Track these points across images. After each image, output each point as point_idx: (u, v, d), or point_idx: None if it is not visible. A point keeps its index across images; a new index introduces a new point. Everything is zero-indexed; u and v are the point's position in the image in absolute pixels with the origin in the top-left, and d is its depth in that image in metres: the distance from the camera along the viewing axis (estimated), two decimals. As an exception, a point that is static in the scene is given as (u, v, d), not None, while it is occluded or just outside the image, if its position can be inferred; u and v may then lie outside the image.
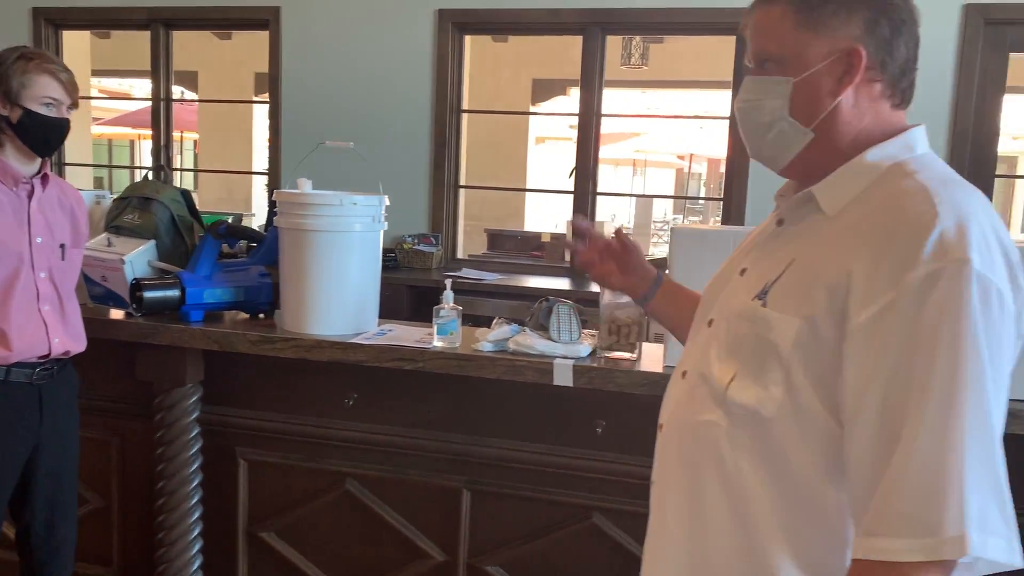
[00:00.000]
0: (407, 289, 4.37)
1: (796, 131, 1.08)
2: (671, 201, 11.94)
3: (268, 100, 4.98)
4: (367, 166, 2.29)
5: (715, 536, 1.10)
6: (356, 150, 2.21)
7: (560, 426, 2.03)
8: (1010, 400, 0.97)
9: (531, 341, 1.98)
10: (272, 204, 2.19)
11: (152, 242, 2.29)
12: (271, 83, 4.93)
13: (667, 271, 1.74)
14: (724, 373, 1.08)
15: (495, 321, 2.10)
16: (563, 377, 1.91)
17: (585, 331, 2.04)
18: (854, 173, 1.06)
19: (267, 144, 5.14)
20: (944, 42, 4.13)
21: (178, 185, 2.97)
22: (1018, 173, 9.59)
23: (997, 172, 4.32)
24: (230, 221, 4.17)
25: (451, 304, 2.06)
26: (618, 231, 1.54)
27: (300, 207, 2.09)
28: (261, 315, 2.30)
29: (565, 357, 1.94)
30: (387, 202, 2.18)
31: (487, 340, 2.01)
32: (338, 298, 2.12)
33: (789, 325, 1.01)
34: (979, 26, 4.10)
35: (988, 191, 4.28)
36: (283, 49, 4.89)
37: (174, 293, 2.16)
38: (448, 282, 2.10)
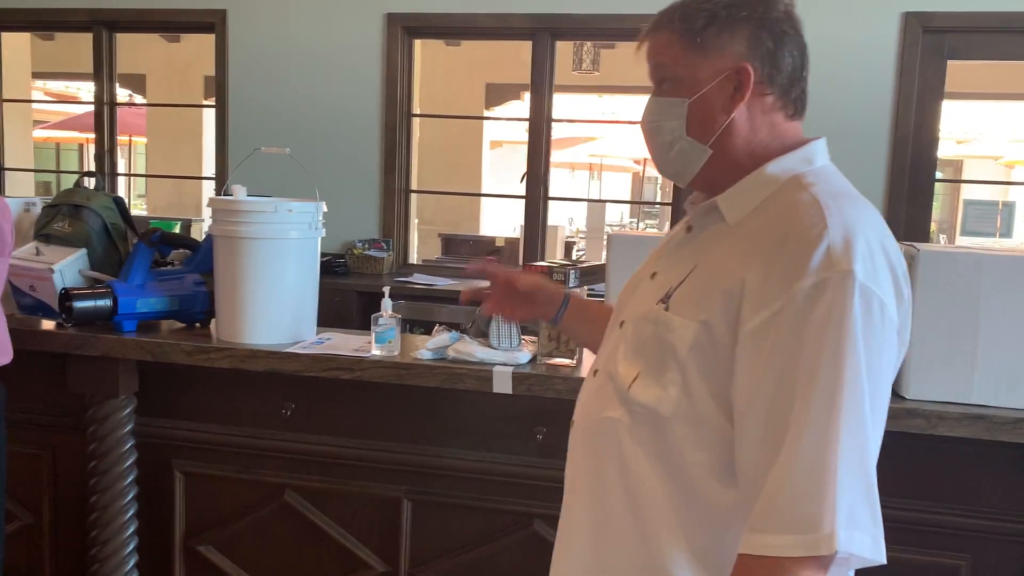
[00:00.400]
0: (357, 295, 4.33)
1: (695, 149, 1.13)
2: (628, 205, 12.01)
3: (215, 105, 4.90)
4: (316, 171, 2.26)
5: (615, 530, 1.15)
6: (293, 156, 2.17)
7: (500, 433, 2.01)
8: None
9: (471, 348, 1.96)
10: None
11: (83, 251, 2.23)
12: (218, 87, 4.86)
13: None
14: (628, 372, 1.13)
15: (436, 328, 2.08)
16: (503, 384, 1.90)
17: (525, 338, 2.03)
18: (754, 185, 1.11)
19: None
20: (884, 50, 4.21)
21: (125, 191, 2.91)
22: (963, 178, 9.81)
23: (938, 177, 4.40)
24: (178, 227, 4.10)
25: (390, 312, 2.04)
26: (510, 276, 1.54)
27: (234, 214, 2.05)
28: (197, 324, 2.25)
29: (505, 364, 1.93)
30: (324, 208, 2.15)
31: (426, 348, 1.99)
32: (274, 307, 2.09)
33: (687, 328, 1.07)
34: (918, 34, 4.18)
35: (928, 195, 4.36)
36: (230, 52, 4.83)
37: (105, 303, 2.11)
38: (386, 290, 2.08)
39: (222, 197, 2.11)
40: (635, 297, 1.22)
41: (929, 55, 4.21)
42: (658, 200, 13.11)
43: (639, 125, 1.21)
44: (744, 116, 1.11)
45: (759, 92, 1.11)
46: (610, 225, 7.53)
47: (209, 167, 8.22)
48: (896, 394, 1.79)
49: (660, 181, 14.15)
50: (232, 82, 4.84)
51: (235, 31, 4.81)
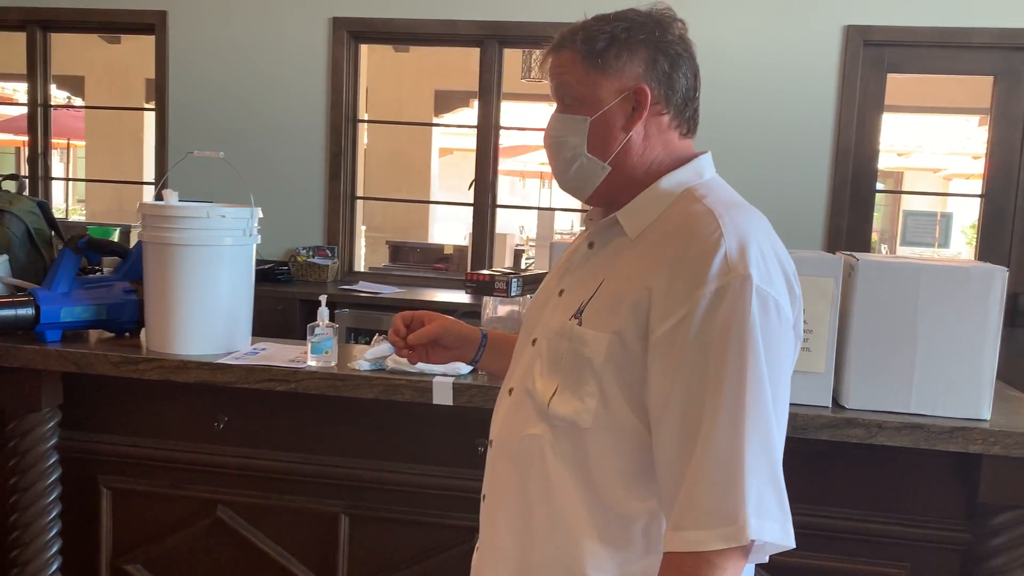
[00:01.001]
0: (300, 303, 4.25)
1: (595, 165, 1.18)
2: (577, 213, 12.05)
3: (155, 108, 4.78)
4: (259, 177, 2.20)
5: (540, 546, 1.18)
6: (227, 160, 2.11)
7: (441, 446, 1.97)
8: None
9: (409, 359, 1.91)
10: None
11: (4, 257, 2.13)
12: (158, 90, 4.74)
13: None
14: (547, 388, 1.17)
15: (375, 338, 2.02)
16: (443, 396, 1.85)
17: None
18: (651, 199, 1.17)
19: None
20: (827, 63, 4.26)
21: (63, 196, 2.80)
22: (904, 189, 10.04)
23: (878, 188, 4.47)
24: (116, 234, 3.97)
25: (326, 321, 1.98)
26: (419, 335, 1.49)
27: (165, 220, 1.98)
28: (126, 334, 2.17)
29: (444, 375, 1.88)
30: (260, 214, 2.09)
31: (364, 359, 1.94)
32: (206, 316, 2.02)
33: (600, 341, 1.12)
34: (859, 47, 4.24)
35: (869, 206, 4.43)
36: (170, 55, 4.71)
37: (27, 312, 2.01)
38: (323, 298, 2.03)
39: (153, 202, 2.03)
40: (545, 314, 1.24)
41: (870, 68, 4.29)
42: (608, 209, 13.17)
43: (542, 140, 1.24)
44: (641, 134, 1.17)
45: (655, 112, 1.17)
46: (560, 233, 7.53)
47: (150, 172, 8.05)
48: (836, 403, 1.79)
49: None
50: (172, 85, 4.72)
51: (175, 33, 4.70)
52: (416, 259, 5.91)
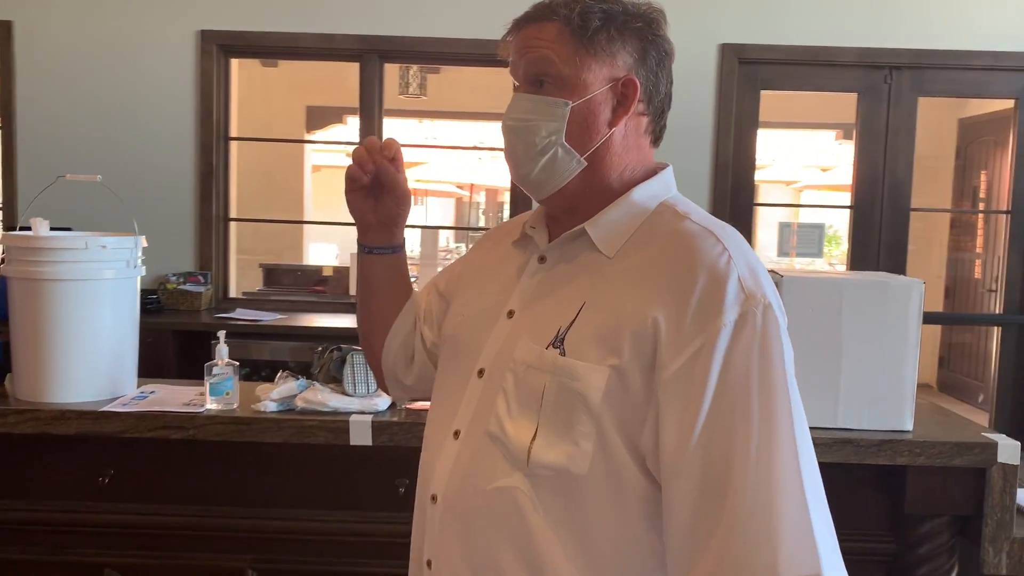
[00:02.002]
0: (173, 335, 3.96)
1: (570, 157, 1.03)
2: (452, 231, 12.00)
3: (0, 126, 4.38)
4: (123, 202, 1.99)
5: None
6: (106, 184, 1.90)
7: (359, 489, 1.83)
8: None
9: (322, 397, 1.77)
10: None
11: None
12: (3, 108, 4.34)
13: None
14: (522, 431, 0.99)
15: (279, 375, 1.87)
16: (361, 436, 1.72)
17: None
18: (624, 212, 1.04)
19: None
20: (705, 79, 4.37)
21: None
22: (779, 202, 10.45)
23: (757, 201, 4.62)
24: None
25: (226, 359, 1.81)
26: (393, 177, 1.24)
27: (35, 252, 1.77)
28: (-12, 382, 1.92)
29: (362, 412, 1.75)
30: (144, 243, 1.90)
31: (270, 399, 1.78)
32: (86, 358, 1.81)
33: (597, 374, 0.96)
34: (734, 64, 4.37)
35: (749, 219, 4.56)
36: (16, 69, 4.32)
37: None
38: (221, 334, 1.85)
39: (18, 233, 1.81)
40: (493, 340, 1.06)
41: (745, 85, 4.42)
42: (481, 225, 13.22)
43: (501, 124, 1.07)
44: (622, 132, 1.05)
45: (638, 111, 1.05)
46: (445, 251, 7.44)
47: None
48: (766, 422, 1.78)
49: (483, 206, 14.25)
50: (21, 101, 4.33)
51: (23, 45, 4.32)
52: (291, 282, 5.66)
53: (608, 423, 0.96)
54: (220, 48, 4.37)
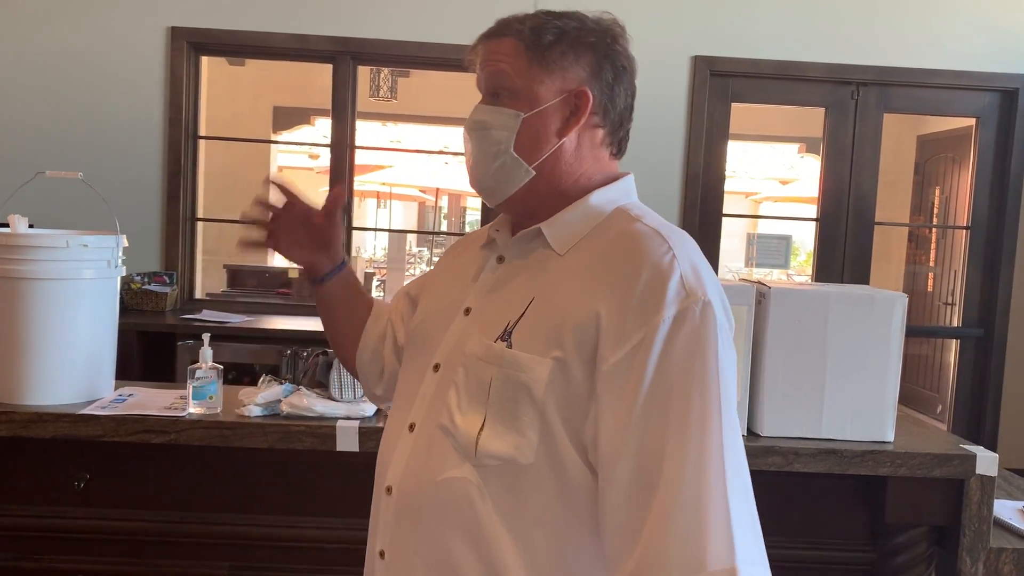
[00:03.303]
0: (137, 335, 3.88)
1: (518, 167, 1.08)
2: (415, 235, 11.97)
3: (-40, 118, 4.26)
4: (87, 196, 1.95)
5: None
6: (86, 182, 1.86)
7: (346, 495, 1.81)
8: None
9: (308, 402, 1.75)
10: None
11: None
12: (-37, 100, 4.23)
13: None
14: (471, 423, 1.02)
15: (263, 380, 1.84)
16: (348, 441, 1.70)
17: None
18: (580, 214, 1.08)
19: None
20: (677, 91, 4.41)
21: None
22: (748, 213, 10.58)
23: (726, 212, 4.67)
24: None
25: (210, 363, 1.78)
26: (336, 197, 1.33)
27: (13, 250, 1.72)
28: (-41, 383, 1.86)
29: (348, 418, 1.73)
30: (125, 243, 1.86)
31: (255, 403, 1.75)
32: (63, 360, 1.76)
33: (540, 366, 0.99)
34: (706, 77, 4.43)
35: (717, 229, 4.62)
36: (-21, 60, 4.21)
37: None
38: (206, 337, 1.82)
39: (-4, 230, 1.76)
40: (449, 336, 1.10)
41: (716, 97, 4.47)
42: (443, 229, 13.21)
43: (462, 131, 1.13)
44: (574, 143, 1.08)
45: (592, 123, 1.08)
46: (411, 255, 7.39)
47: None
48: (752, 432, 1.80)
49: (445, 210, 14.23)
50: (-16, 95, 4.22)
51: (-15, 36, 4.21)
52: (256, 284, 5.59)
53: (552, 414, 0.99)
54: (191, 45, 4.31)
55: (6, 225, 1.80)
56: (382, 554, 1.09)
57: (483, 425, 1.01)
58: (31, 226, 1.89)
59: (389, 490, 1.08)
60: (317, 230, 1.31)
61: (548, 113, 1.06)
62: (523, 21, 1.08)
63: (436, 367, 1.09)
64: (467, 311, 1.11)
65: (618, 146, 1.13)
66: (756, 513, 0.94)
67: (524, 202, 1.10)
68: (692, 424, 0.92)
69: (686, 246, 1.02)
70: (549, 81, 1.06)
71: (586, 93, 1.06)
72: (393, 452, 1.10)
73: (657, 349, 0.94)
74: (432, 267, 1.36)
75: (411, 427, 1.09)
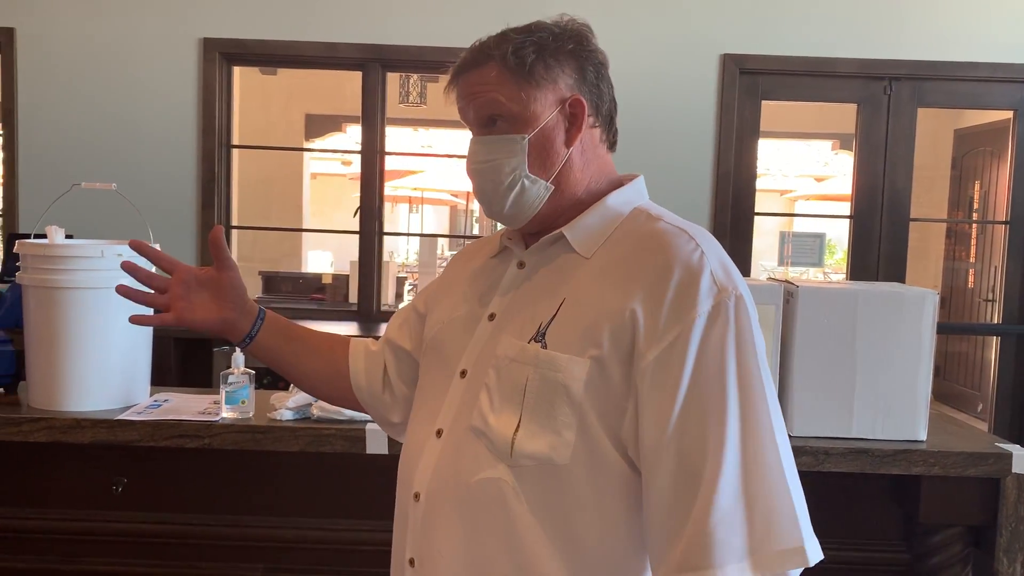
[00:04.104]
0: (174, 342, 3.95)
1: (538, 186, 1.09)
2: (447, 239, 12.00)
3: (1, 133, 4.36)
4: (124, 206, 1.99)
5: None
6: (121, 192, 1.90)
7: (375, 497, 1.82)
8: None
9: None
10: (10, 251, 1.83)
11: None
12: (5, 114, 4.33)
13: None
14: (505, 424, 1.02)
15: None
16: (377, 444, 1.72)
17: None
18: (601, 216, 1.09)
19: (0, 182, 4.51)
20: (706, 89, 4.39)
21: None
22: (780, 212, 10.49)
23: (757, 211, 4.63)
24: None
25: (242, 368, 1.81)
26: (214, 238, 1.22)
27: (50, 260, 1.76)
28: (1, 390, 1.91)
29: (377, 422, 1.75)
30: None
31: (286, 407, 1.78)
32: (100, 366, 1.80)
33: (578, 365, 1.00)
34: (735, 75, 4.39)
35: (749, 228, 4.58)
36: (19, 76, 4.31)
37: None
38: (238, 343, 1.84)
39: (34, 241, 1.80)
40: (475, 342, 1.10)
41: (745, 95, 4.44)
42: (475, 232, 13.23)
43: (465, 169, 1.13)
44: (580, 149, 1.10)
45: (589, 124, 1.10)
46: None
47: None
48: (781, 432, 1.78)
49: (477, 214, 14.28)
50: (23, 108, 4.32)
51: (26, 52, 4.31)
52: (291, 289, 5.66)
53: (590, 413, 1.00)
54: (223, 56, 4.37)
55: (44, 236, 1.85)
56: (412, 562, 1.08)
57: (518, 426, 1.01)
58: (68, 236, 1.93)
59: (417, 496, 1.07)
60: (214, 284, 1.21)
61: (549, 128, 1.08)
62: (498, 45, 1.08)
63: (463, 373, 1.09)
64: (491, 317, 1.11)
65: (613, 139, 1.15)
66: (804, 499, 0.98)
67: (546, 216, 1.10)
68: (734, 415, 0.95)
69: (710, 243, 1.04)
70: (542, 97, 1.07)
71: (579, 99, 1.08)
72: (419, 459, 1.09)
73: (695, 344, 0.97)
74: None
75: (438, 433, 1.08)
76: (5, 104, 4.32)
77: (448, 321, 1.16)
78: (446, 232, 12.80)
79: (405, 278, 5.99)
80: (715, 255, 1.02)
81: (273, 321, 1.27)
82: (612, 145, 1.15)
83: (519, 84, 1.06)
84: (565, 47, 1.08)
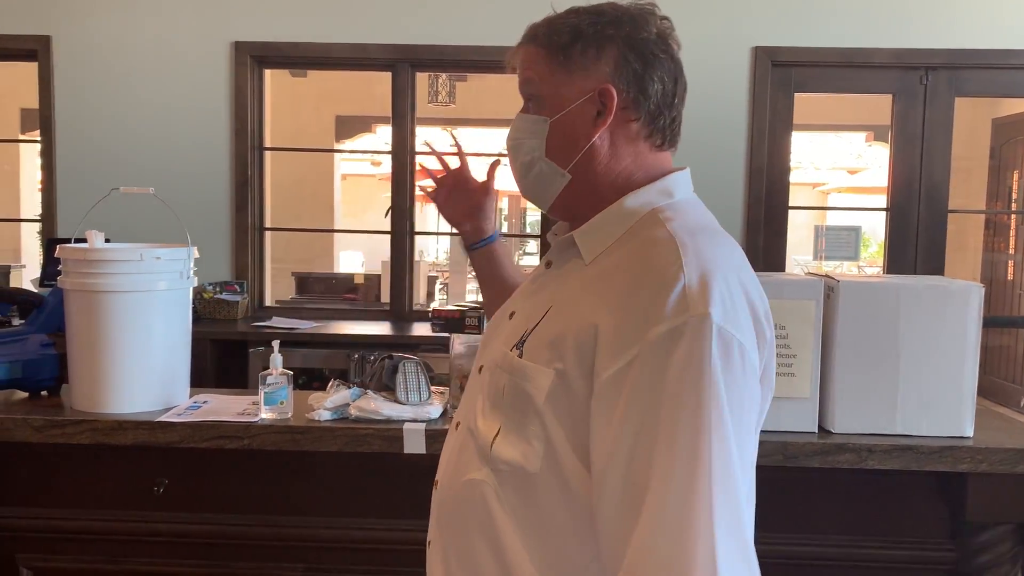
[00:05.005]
0: (210, 344, 3.99)
1: (554, 172, 1.07)
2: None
3: (40, 140, 4.43)
4: (158, 209, 2.01)
5: None
6: (158, 196, 1.92)
7: (411, 497, 1.82)
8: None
9: (375, 405, 1.77)
10: (50, 256, 1.86)
11: None
12: (42, 121, 4.40)
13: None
14: (489, 428, 1.04)
15: (331, 384, 1.87)
16: (415, 444, 1.72)
17: (434, 388, 1.86)
18: (612, 219, 1.05)
19: (39, 188, 4.59)
20: (738, 83, 4.35)
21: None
22: (814, 205, 10.38)
23: (791, 204, 4.57)
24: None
25: (280, 369, 1.82)
26: (491, 169, 1.54)
27: (91, 264, 1.78)
28: (44, 393, 1.93)
29: (415, 420, 1.75)
30: (196, 254, 1.91)
31: (324, 407, 1.78)
32: (141, 369, 1.82)
33: (543, 376, 0.98)
34: (767, 67, 4.35)
35: (783, 223, 4.53)
36: (56, 83, 4.39)
37: (-72, 374, 1.77)
38: (276, 344, 1.86)
39: (75, 245, 1.82)
40: (494, 339, 1.13)
41: (778, 88, 4.39)
42: (504, 231, 13.22)
43: (505, 142, 1.14)
44: (607, 142, 1.05)
45: (624, 118, 1.04)
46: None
47: (28, 208, 7.50)
48: (823, 429, 1.76)
49: (506, 212, 14.27)
50: (60, 115, 4.40)
51: (62, 59, 4.38)
52: (324, 290, 5.70)
53: (553, 425, 0.97)
54: (254, 59, 4.41)
55: (84, 240, 1.87)
56: (428, 543, 1.15)
57: (499, 431, 1.02)
58: (107, 241, 1.95)
59: (436, 484, 1.15)
60: (472, 195, 1.50)
61: (574, 115, 1.04)
62: (544, 26, 1.07)
63: (480, 369, 1.13)
64: (511, 315, 1.12)
65: (662, 135, 1.07)
66: (748, 546, 0.89)
67: (567, 207, 1.10)
68: (679, 449, 0.87)
69: (704, 254, 0.95)
70: (571, 82, 1.04)
71: (609, 91, 1.03)
72: (444, 449, 1.16)
73: (649, 366, 0.89)
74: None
75: (456, 426, 1.14)
76: (43, 111, 4.40)
77: (496, 315, 1.20)
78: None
79: (436, 277, 6.00)
80: (699, 269, 0.92)
81: (492, 250, 1.52)
82: (666, 142, 1.08)
83: (552, 66, 1.05)
84: (605, 33, 1.04)
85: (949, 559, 1.80)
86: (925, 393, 1.72)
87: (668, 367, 0.89)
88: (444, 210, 1.55)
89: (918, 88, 4.37)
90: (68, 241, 1.88)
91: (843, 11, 4.30)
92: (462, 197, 1.52)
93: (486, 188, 1.52)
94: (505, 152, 1.16)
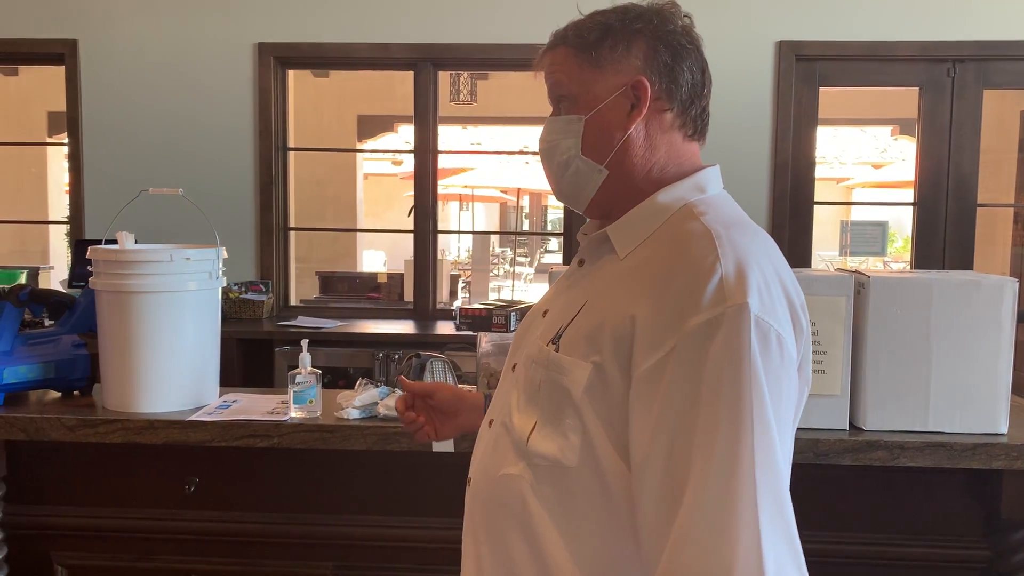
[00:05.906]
0: (236, 343, 4.02)
1: (591, 169, 1.07)
2: (497, 236, 12.04)
3: (67, 142, 4.48)
4: (184, 210, 2.03)
5: None
6: (187, 197, 1.94)
7: (442, 496, 1.83)
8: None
9: (403, 404, 1.77)
10: (78, 258, 1.88)
11: (-68, 314, 1.90)
12: (69, 124, 4.45)
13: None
14: (525, 423, 1.05)
15: (359, 383, 1.88)
16: (443, 443, 1.72)
17: (462, 387, 1.86)
18: (646, 214, 1.05)
19: (67, 190, 4.64)
20: (762, 78, 4.31)
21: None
22: (840, 200, 10.29)
23: (816, 200, 4.53)
24: (24, 276, 3.66)
25: (309, 368, 1.83)
26: (406, 387, 1.48)
27: (121, 265, 1.80)
28: (76, 393, 1.96)
29: (443, 420, 1.75)
30: (225, 254, 1.93)
31: (352, 406, 1.79)
32: (171, 369, 1.84)
33: (580, 370, 0.99)
34: (792, 62, 4.31)
35: (808, 218, 4.49)
36: (82, 86, 4.43)
37: (-36, 375, 1.79)
38: (304, 343, 1.87)
39: (106, 247, 1.84)
40: (527, 337, 1.14)
41: (802, 82, 4.35)
42: (525, 229, 13.23)
43: (538, 148, 1.14)
44: (642, 133, 1.06)
45: (657, 108, 1.06)
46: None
47: (56, 210, 7.58)
48: (852, 426, 1.74)
49: (527, 210, 14.28)
50: (86, 117, 4.44)
51: (88, 62, 4.42)
52: (348, 289, 5.72)
53: (591, 418, 0.98)
54: (277, 60, 4.43)
55: (114, 242, 1.89)
56: (463, 540, 1.16)
57: (535, 426, 1.03)
58: (136, 242, 1.97)
59: (469, 482, 1.15)
60: (437, 407, 1.44)
61: (608, 110, 1.05)
62: (569, 27, 1.09)
63: (514, 367, 1.13)
64: (544, 314, 1.13)
65: (693, 125, 1.09)
66: (793, 533, 0.89)
67: (604, 203, 1.10)
68: (720, 438, 0.87)
69: (740, 246, 0.96)
70: (603, 79, 1.05)
71: (643, 83, 1.04)
72: (476, 446, 1.16)
73: (687, 358, 0.90)
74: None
75: (489, 423, 1.14)
76: (70, 114, 4.44)
77: (527, 315, 1.22)
78: (497, 229, 12.82)
79: (458, 276, 6.01)
80: (735, 260, 0.93)
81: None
82: (697, 132, 1.10)
83: (581, 65, 1.06)
84: (633, 27, 1.05)
85: (983, 557, 1.78)
86: (958, 390, 1.70)
87: (706, 357, 0.89)
88: (446, 433, 1.48)
89: (945, 81, 4.31)
90: (97, 242, 1.90)
91: (868, 4, 4.26)
92: (438, 415, 1.45)
93: (429, 393, 1.45)
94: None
